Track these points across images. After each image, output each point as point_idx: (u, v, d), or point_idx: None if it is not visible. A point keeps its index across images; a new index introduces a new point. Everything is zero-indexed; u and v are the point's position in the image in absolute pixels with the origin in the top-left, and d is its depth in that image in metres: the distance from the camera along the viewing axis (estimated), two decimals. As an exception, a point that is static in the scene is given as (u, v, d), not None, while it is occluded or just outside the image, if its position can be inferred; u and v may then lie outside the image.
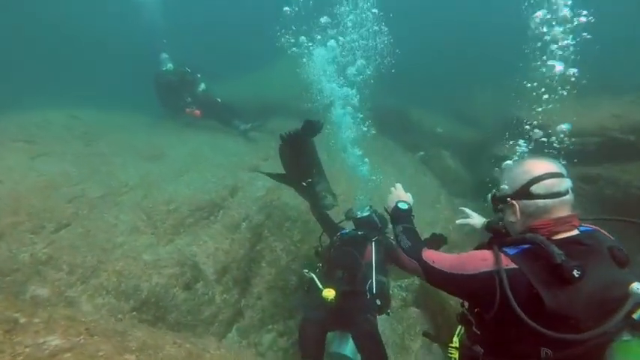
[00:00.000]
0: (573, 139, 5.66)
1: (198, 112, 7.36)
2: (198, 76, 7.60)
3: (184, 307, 3.92)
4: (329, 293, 3.28)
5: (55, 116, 6.87)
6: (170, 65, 7.54)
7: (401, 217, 2.21)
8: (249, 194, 5.39)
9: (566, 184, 1.63)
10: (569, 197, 1.64)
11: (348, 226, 4.15)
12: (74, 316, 2.46)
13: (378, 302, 3.54)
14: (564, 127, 6.04)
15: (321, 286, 3.35)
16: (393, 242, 3.75)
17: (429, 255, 1.89)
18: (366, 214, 4.07)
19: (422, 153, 8.15)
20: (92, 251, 3.96)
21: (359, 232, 3.88)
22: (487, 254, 1.63)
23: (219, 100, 7.62)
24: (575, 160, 5.53)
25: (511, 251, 1.59)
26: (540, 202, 1.58)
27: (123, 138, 6.53)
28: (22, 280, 3.51)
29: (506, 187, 1.71)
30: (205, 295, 4.05)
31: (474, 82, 11.67)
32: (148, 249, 4.15)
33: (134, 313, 3.76)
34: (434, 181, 7.23)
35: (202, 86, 7.57)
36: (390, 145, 8.53)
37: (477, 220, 2.61)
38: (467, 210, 2.69)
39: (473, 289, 1.67)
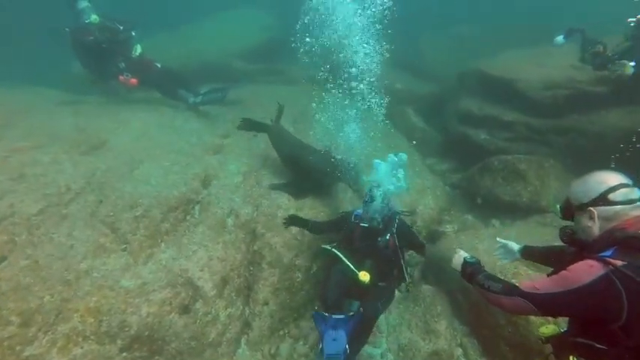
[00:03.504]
0: (545, 92, 5.74)
1: (134, 80, 5.94)
2: (133, 34, 6.09)
3: (186, 333, 3.28)
4: (365, 277, 3.43)
5: None
6: (95, 17, 5.85)
7: (475, 269, 2.24)
8: (224, 182, 4.63)
9: (636, 192, 1.84)
10: None
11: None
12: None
13: (404, 287, 3.86)
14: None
15: (353, 268, 3.49)
16: (405, 222, 3.91)
17: (529, 285, 1.87)
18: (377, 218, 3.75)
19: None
20: (50, 288, 3.07)
21: (377, 220, 3.71)
22: (590, 262, 1.69)
23: (160, 66, 6.30)
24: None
25: (606, 254, 1.69)
26: (618, 207, 1.77)
27: (42, 124, 5.14)
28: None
29: (580, 197, 1.88)
30: (208, 315, 3.43)
31: (420, 34, 11.45)
32: (124, 272, 3.34)
33: (124, 354, 3.06)
34: (404, 142, 7.00)
35: (138, 48, 6.09)
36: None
37: (513, 245, 2.76)
38: (502, 240, 2.83)
39: (594, 299, 1.67)
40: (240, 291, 3.74)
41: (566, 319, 2.14)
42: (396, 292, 3.96)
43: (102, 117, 5.59)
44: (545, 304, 1.80)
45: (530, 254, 2.71)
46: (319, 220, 4.19)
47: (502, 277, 3.55)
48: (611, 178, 1.83)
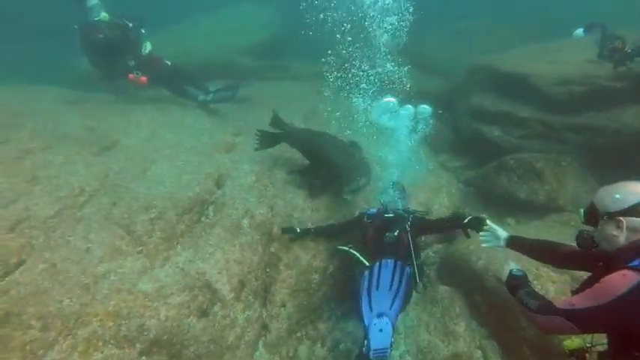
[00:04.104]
0: (560, 88, 5.64)
1: (144, 78, 5.86)
2: (143, 31, 6.00)
3: (204, 337, 3.25)
4: None
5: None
6: (104, 14, 5.75)
7: (519, 282, 2.21)
8: (238, 182, 4.58)
9: None
10: None
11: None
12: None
13: (420, 287, 3.90)
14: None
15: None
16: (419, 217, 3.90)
17: (565, 302, 1.84)
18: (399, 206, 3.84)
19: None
20: (69, 292, 3.02)
21: (390, 217, 3.77)
22: (622, 272, 1.69)
23: (170, 64, 6.22)
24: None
25: (635, 263, 1.70)
26: None
27: (50, 125, 5.07)
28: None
29: (609, 205, 1.88)
30: (226, 318, 3.39)
31: (424, 30, 11.31)
32: (142, 275, 3.30)
33: (143, 358, 3.02)
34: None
35: (148, 46, 6.00)
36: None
37: (501, 233, 2.81)
38: (493, 225, 2.87)
39: (632, 308, 1.65)
40: (258, 293, 3.70)
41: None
42: (413, 292, 3.94)
43: (111, 116, 5.53)
44: (585, 320, 1.76)
45: (517, 245, 2.74)
46: (329, 223, 4.15)
47: None
48: None
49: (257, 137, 4.83)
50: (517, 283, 2.18)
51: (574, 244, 2.19)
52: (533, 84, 5.82)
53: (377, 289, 3.27)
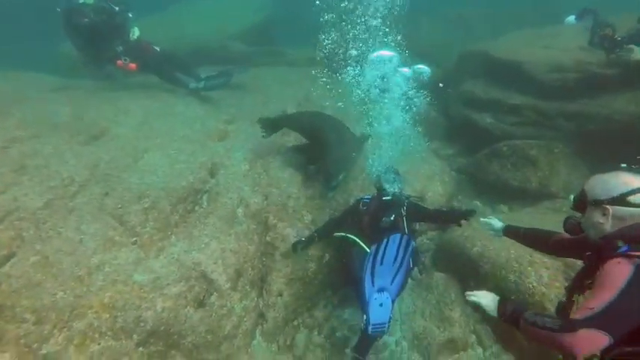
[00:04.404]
0: (554, 75, 5.65)
1: (133, 65, 5.70)
2: (130, 15, 5.79)
3: (201, 327, 3.24)
4: None
5: None
6: None
7: (517, 306, 1.93)
8: (232, 171, 4.52)
9: None
10: None
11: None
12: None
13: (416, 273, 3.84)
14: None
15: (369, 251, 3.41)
16: (414, 202, 3.93)
17: (582, 311, 1.67)
18: (395, 189, 3.83)
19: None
20: (62, 284, 2.99)
21: (385, 201, 3.76)
22: (615, 260, 1.71)
23: (159, 50, 6.04)
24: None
25: (623, 249, 1.72)
26: (634, 210, 1.82)
27: (38, 113, 4.92)
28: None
29: (598, 193, 1.89)
30: (223, 308, 3.38)
31: (416, 15, 11.19)
32: (137, 266, 3.26)
33: (140, 348, 3.02)
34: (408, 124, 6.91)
35: (136, 31, 5.80)
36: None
37: (496, 223, 2.84)
38: (485, 220, 2.88)
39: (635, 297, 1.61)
40: (254, 283, 3.70)
41: None
42: (409, 279, 3.97)
43: (100, 104, 5.38)
44: (612, 319, 1.61)
45: (512, 234, 2.75)
46: (326, 222, 4.10)
47: (518, 266, 3.66)
48: (634, 181, 1.85)
49: (261, 127, 4.76)
50: (514, 307, 1.94)
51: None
52: (527, 71, 5.81)
53: (381, 264, 3.29)
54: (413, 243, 3.41)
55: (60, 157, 4.10)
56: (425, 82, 4.75)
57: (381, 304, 3.14)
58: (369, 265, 3.30)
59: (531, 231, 2.67)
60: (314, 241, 3.83)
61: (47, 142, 4.32)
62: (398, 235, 3.35)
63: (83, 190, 3.76)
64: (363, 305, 3.26)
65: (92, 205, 3.61)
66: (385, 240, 3.32)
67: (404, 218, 3.67)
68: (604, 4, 6.28)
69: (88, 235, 3.34)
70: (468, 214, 3.54)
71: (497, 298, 2.06)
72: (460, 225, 3.57)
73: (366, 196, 3.98)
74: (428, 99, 4.84)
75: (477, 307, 2.10)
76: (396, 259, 3.30)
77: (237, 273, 3.55)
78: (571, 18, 5.68)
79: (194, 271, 3.36)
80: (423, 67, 4.58)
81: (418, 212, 3.85)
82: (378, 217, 3.68)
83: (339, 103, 5.28)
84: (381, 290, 3.21)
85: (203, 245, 3.54)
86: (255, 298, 3.69)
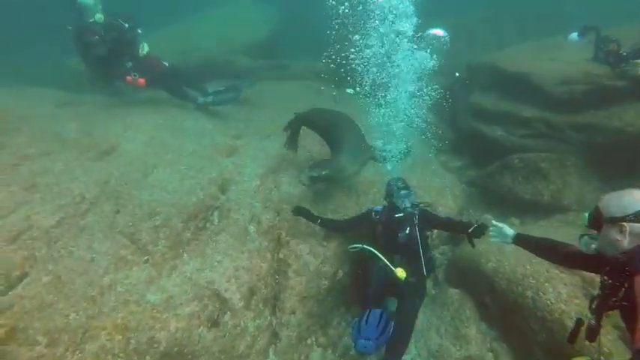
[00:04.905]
0: (562, 87, 5.64)
1: (142, 80, 5.73)
2: (139, 32, 5.84)
3: (215, 347, 3.18)
4: (402, 274, 3.39)
5: None
6: (99, 16, 5.59)
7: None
8: (242, 187, 4.50)
9: None
10: None
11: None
12: None
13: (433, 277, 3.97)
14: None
15: (390, 265, 3.43)
16: (427, 210, 3.92)
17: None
18: (407, 205, 3.76)
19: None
20: (74, 305, 2.94)
21: (397, 214, 3.75)
22: None
23: (167, 65, 6.08)
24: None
25: None
26: None
27: (46, 129, 4.93)
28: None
29: (613, 210, 1.95)
30: (237, 327, 3.32)
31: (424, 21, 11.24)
32: (149, 286, 3.22)
33: (153, 370, 2.94)
34: (416, 137, 6.89)
35: (145, 47, 5.84)
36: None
37: (507, 230, 2.79)
38: (499, 224, 2.84)
39: None
40: (268, 301, 3.64)
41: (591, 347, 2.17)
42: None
43: (108, 120, 5.39)
44: None
45: (523, 242, 2.73)
46: (336, 219, 4.13)
47: (535, 282, 3.59)
48: None
49: (286, 134, 4.93)
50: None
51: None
52: (536, 83, 5.80)
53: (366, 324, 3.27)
54: (392, 322, 3.33)
55: (70, 174, 4.08)
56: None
57: (364, 347, 3.14)
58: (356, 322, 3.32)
59: (544, 241, 2.64)
60: (315, 221, 3.89)
61: (57, 158, 4.31)
62: (379, 311, 3.29)
63: (94, 208, 3.73)
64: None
65: (103, 223, 3.58)
66: (367, 312, 3.30)
67: (416, 227, 3.64)
68: (603, 17, 6.30)
69: (99, 254, 3.31)
70: (480, 231, 3.44)
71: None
72: (473, 245, 3.51)
73: (376, 207, 3.97)
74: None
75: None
76: (377, 328, 3.23)
77: (251, 291, 3.50)
78: (574, 35, 5.68)
79: (207, 290, 3.31)
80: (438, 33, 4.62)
81: (430, 220, 3.82)
82: (392, 230, 3.69)
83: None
84: (367, 338, 3.17)
85: (216, 263, 3.50)
86: (269, 317, 3.63)
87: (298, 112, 5.02)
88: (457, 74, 6.41)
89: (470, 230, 3.46)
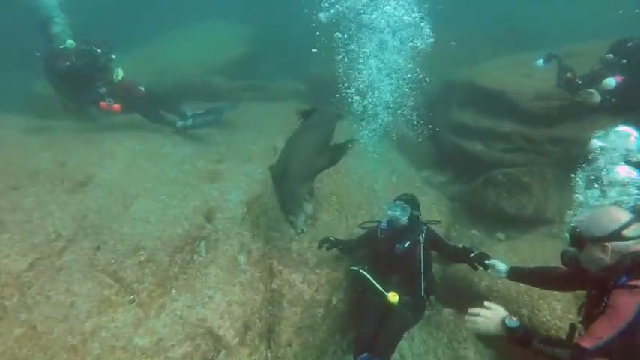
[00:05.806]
0: (538, 103, 5.84)
1: (117, 106, 5.55)
2: (113, 57, 5.67)
3: (210, 390, 2.99)
4: (394, 298, 3.38)
5: None
6: (70, 42, 5.42)
7: (526, 333, 2.06)
8: (229, 214, 4.33)
9: None
10: None
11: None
12: None
13: (433, 298, 3.78)
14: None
15: (382, 289, 3.44)
16: (435, 231, 3.90)
17: (590, 338, 1.84)
18: (404, 219, 3.77)
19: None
20: (53, 358, 2.70)
21: (405, 226, 3.77)
22: (621, 290, 1.86)
23: (144, 89, 5.89)
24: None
25: (622, 280, 1.89)
26: (630, 242, 1.97)
27: (15, 160, 4.61)
28: None
29: (593, 230, 2.06)
30: (232, 366, 3.15)
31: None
32: (136, 328, 3.00)
33: (144, 421, 2.73)
34: (398, 155, 6.95)
35: (120, 72, 5.64)
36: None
37: (501, 266, 3.01)
38: (492, 262, 3.10)
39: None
40: (263, 335, 3.48)
41: None
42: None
43: (82, 148, 5.13)
44: (619, 349, 1.77)
45: (517, 276, 2.94)
46: (348, 239, 4.14)
47: (529, 299, 3.62)
48: (622, 216, 2.04)
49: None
50: (524, 334, 2.04)
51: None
52: (512, 100, 6.00)
53: None
54: None
55: (43, 209, 3.81)
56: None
57: None
58: None
59: (534, 271, 2.84)
60: (338, 246, 3.90)
61: (28, 193, 4.02)
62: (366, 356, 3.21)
63: (72, 246, 3.48)
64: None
65: (83, 262, 3.34)
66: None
67: (421, 246, 3.61)
68: (571, 33, 6.59)
69: (80, 297, 3.06)
70: (482, 258, 3.35)
71: (506, 319, 2.14)
72: (476, 268, 3.49)
73: (382, 223, 3.91)
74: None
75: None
76: None
77: (245, 326, 3.34)
78: (539, 62, 5.86)
79: (199, 329, 3.13)
80: None
81: (436, 244, 3.79)
82: (393, 243, 3.67)
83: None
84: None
85: (207, 299, 3.32)
86: (264, 351, 3.46)
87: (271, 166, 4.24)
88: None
89: (471, 255, 3.44)
